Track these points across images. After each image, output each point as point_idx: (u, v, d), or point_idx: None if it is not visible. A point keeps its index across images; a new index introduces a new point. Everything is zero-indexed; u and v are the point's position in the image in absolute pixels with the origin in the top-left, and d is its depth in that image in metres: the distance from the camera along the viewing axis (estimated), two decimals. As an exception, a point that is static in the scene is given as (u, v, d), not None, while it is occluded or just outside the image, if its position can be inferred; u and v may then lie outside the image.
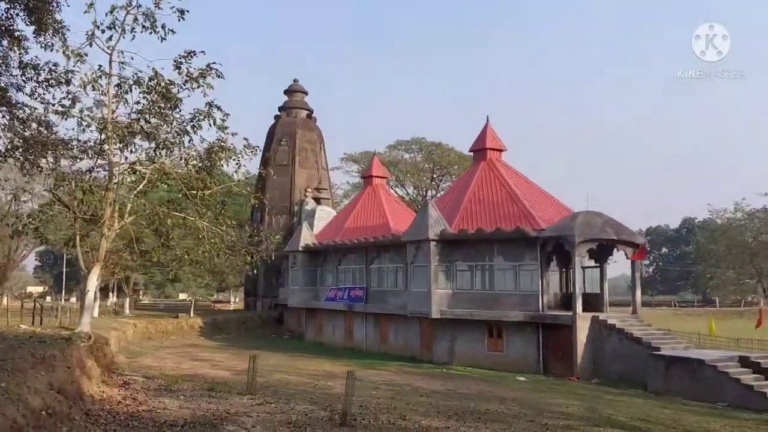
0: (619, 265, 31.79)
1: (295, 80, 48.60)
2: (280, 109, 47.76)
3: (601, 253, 25.47)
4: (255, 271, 44.65)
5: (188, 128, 14.66)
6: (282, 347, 31.59)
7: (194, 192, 15.99)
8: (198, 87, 15.30)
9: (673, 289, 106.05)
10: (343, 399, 12.14)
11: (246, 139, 16.85)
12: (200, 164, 15.68)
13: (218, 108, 15.24)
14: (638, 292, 24.46)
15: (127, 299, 41.62)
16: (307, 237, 35.75)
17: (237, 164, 16.86)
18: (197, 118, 14.77)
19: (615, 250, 25.12)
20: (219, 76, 15.30)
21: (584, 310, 24.83)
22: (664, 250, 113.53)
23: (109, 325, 29.19)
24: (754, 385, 17.07)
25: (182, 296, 68.92)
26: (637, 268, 24.77)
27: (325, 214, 39.92)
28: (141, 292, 70.28)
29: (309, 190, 43.69)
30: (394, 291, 28.83)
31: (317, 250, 35.12)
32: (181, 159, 15.56)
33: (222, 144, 15.21)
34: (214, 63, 15.09)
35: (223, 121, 15.50)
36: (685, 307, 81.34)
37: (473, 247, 25.35)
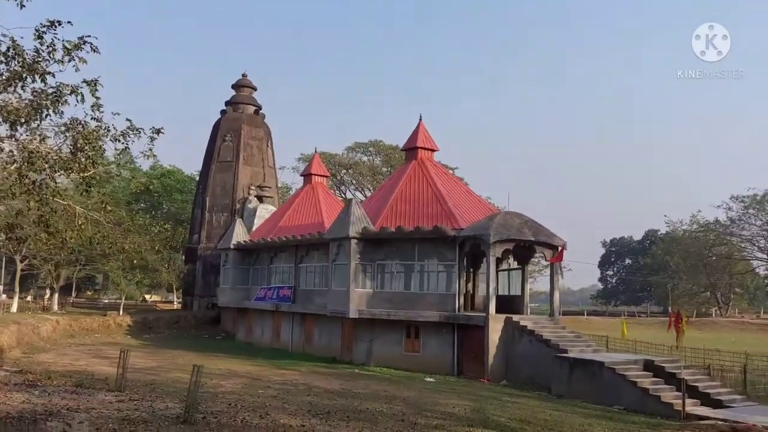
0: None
1: (243, 75, 47.72)
2: (227, 103, 46.85)
3: (523, 254, 25.18)
4: (186, 270, 43.76)
5: (47, 103, 13.76)
6: (208, 347, 30.70)
7: (68, 174, 15.05)
8: (70, 61, 14.41)
9: (635, 299, 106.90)
10: (187, 396, 11.50)
11: (129, 120, 15.99)
12: (74, 144, 14.76)
13: (92, 83, 14.36)
14: (557, 295, 24.22)
15: (56, 296, 40.18)
16: (239, 234, 34.89)
17: (124, 146, 16.00)
18: (60, 93, 13.88)
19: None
20: (94, 50, 14.47)
21: (506, 312, 24.55)
22: (628, 261, 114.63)
23: (17, 320, 28.06)
24: (650, 389, 16.81)
25: (149, 297, 67.19)
26: (556, 271, 24.50)
27: (266, 213, 39.10)
28: (98, 291, 68.19)
29: (253, 187, 42.83)
30: (319, 291, 28.19)
31: (250, 248, 34.30)
32: (39, 136, 14.63)
33: (80, 122, 14.28)
34: (89, 36, 14.26)
35: (98, 98, 14.63)
36: (643, 316, 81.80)
37: (395, 246, 24.86)
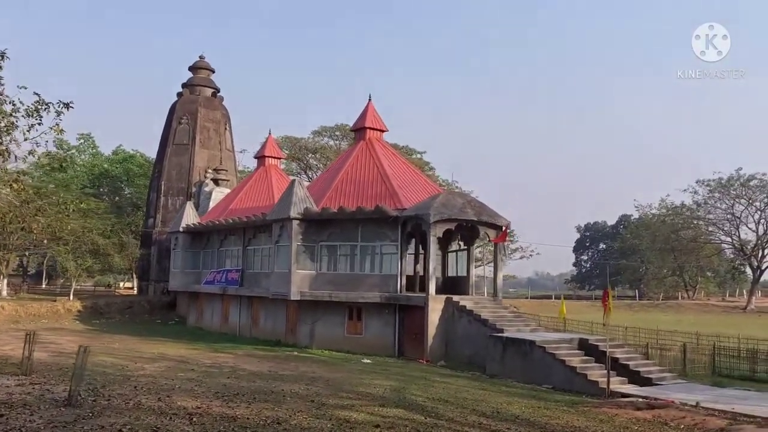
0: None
1: (201, 57, 46.61)
2: (183, 86, 45.77)
3: (469, 235, 24.91)
4: (140, 255, 42.93)
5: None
6: (155, 332, 30.09)
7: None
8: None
9: (608, 283, 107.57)
10: (71, 379, 11.01)
11: (37, 94, 15.24)
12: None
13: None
14: (500, 275, 24.05)
15: (4, 282, 39.15)
16: (190, 217, 34.18)
17: (30, 125, 15.27)
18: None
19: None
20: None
21: (453, 293, 24.35)
22: (602, 245, 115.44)
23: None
24: (578, 367, 16.67)
25: (123, 284, 65.76)
26: (500, 251, 24.26)
27: (221, 196, 38.36)
28: (69, 279, 66.38)
29: (209, 171, 42.02)
30: (266, 273, 27.66)
31: (200, 231, 33.62)
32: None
33: None
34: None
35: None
36: (614, 299, 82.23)
37: (338, 227, 24.41)
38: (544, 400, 14.74)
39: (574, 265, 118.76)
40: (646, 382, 16.84)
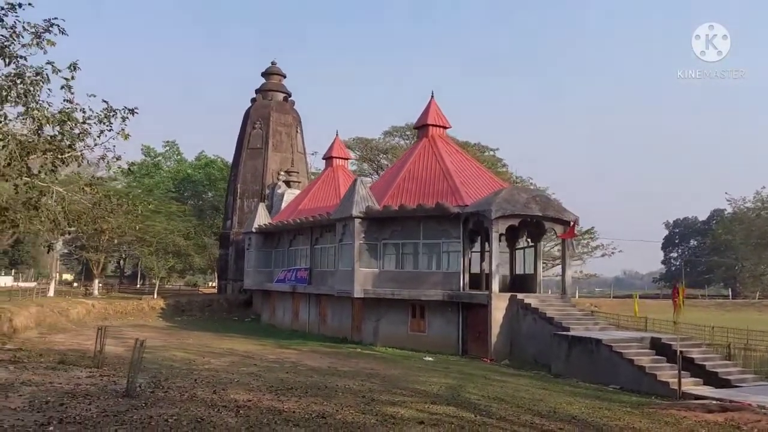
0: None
1: (273, 62, 47.96)
2: (257, 91, 47.25)
3: (535, 232, 24.21)
4: (219, 255, 44.61)
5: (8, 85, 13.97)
6: (230, 329, 31.19)
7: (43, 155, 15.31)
8: (37, 44, 14.59)
9: (700, 282, 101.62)
10: (129, 371, 11.54)
11: (106, 101, 16.10)
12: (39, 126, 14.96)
13: (72, 66, 14.52)
14: (569, 272, 23.16)
15: (96, 281, 41.82)
16: (262, 218, 35.20)
17: (101, 131, 16.17)
18: (24, 74, 14.06)
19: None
20: (62, 33, 14.63)
21: (521, 291, 23.80)
22: (693, 242, 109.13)
23: (45, 303, 29.38)
24: (647, 367, 15.79)
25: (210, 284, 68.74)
26: (568, 247, 23.41)
27: (293, 197, 39.30)
28: (160, 280, 69.96)
29: (282, 173, 43.14)
30: (331, 272, 28.04)
31: (271, 231, 34.55)
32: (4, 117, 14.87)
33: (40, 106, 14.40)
34: (56, 18, 14.44)
35: (68, 80, 14.77)
36: (702, 298, 77.63)
37: (400, 225, 24.37)
38: (608, 400, 14.08)
39: (663, 263, 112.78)
40: (724, 383, 15.72)
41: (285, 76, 48.48)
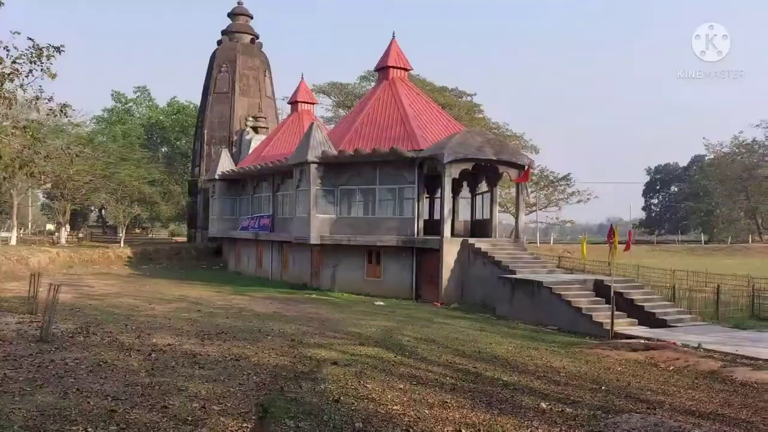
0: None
1: (239, 2, 46.31)
2: (223, 33, 45.81)
3: (492, 176, 24.05)
4: (187, 203, 44.22)
5: None
6: (194, 276, 31.12)
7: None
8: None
9: (680, 228, 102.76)
10: (43, 315, 11.44)
11: (31, 39, 15.35)
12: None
13: None
14: (522, 216, 23.17)
15: (62, 230, 41.43)
16: (225, 164, 34.73)
17: (30, 70, 15.51)
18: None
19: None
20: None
21: (478, 236, 23.86)
22: (674, 188, 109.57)
23: (5, 251, 29.09)
24: (583, 308, 15.96)
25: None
26: (521, 191, 23.34)
27: (259, 144, 38.69)
28: (145, 230, 69.56)
29: (249, 118, 42.33)
30: (292, 218, 27.88)
31: (234, 178, 34.16)
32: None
33: None
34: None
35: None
36: (677, 243, 78.74)
37: (356, 170, 24.09)
38: (540, 341, 14.24)
39: (643, 209, 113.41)
40: (661, 324, 15.95)
41: (252, 17, 46.96)
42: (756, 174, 68.77)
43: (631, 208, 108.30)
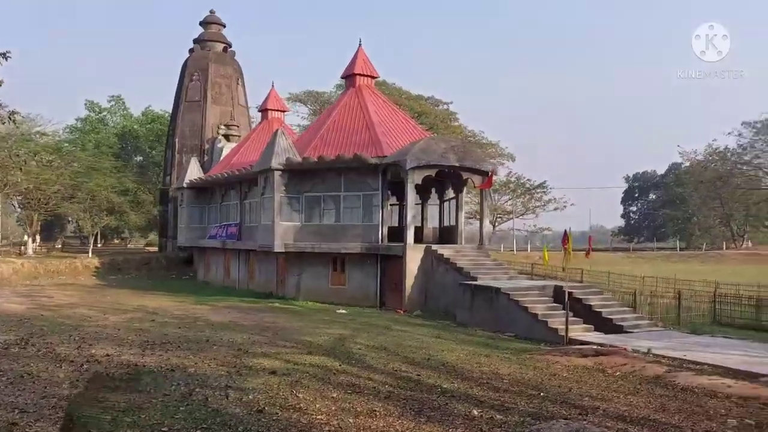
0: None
1: (211, 11, 46.07)
2: (195, 41, 45.49)
3: (458, 183, 24.01)
4: (158, 212, 43.71)
5: None
6: (160, 287, 30.56)
7: None
8: None
9: (658, 235, 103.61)
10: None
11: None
12: None
13: None
14: (486, 223, 23.18)
15: (30, 240, 40.67)
16: (193, 172, 34.36)
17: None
18: None
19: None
20: None
21: (445, 242, 23.80)
22: (652, 196, 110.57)
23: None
24: (540, 314, 15.89)
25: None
26: (485, 198, 23.31)
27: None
28: (124, 240, 68.29)
29: (221, 127, 41.99)
30: (257, 226, 27.58)
31: (202, 186, 33.79)
32: None
33: None
34: None
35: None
36: (653, 251, 79.39)
37: (321, 177, 23.89)
38: (495, 347, 14.13)
39: (622, 216, 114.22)
40: (617, 329, 15.95)
41: (224, 26, 46.70)
42: (730, 182, 69.62)
43: (612, 217, 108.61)
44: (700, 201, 77.42)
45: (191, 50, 45.29)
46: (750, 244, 77.78)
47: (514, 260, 45.80)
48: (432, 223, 27.66)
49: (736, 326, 19.73)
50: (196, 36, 45.57)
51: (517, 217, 71.25)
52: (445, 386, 9.58)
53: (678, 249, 72.81)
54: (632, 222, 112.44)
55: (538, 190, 70.48)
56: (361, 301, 22.25)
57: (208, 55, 44.24)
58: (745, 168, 67.57)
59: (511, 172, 69.43)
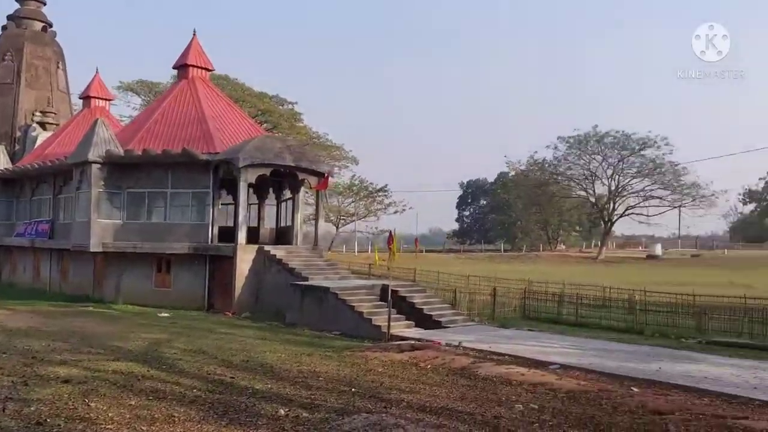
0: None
1: (28, -15, 41.41)
2: (9, 18, 40.57)
3: (294, 183, 23.87)
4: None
5: None
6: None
7: None
8: None
9: (488, 238, 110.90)
10: None
11: None
12: None
13: None
14: (321, 223, 23.45)
15: None
16: (0, 163, 30.63)
17: None
18: None
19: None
20: None
21: (281, 243, 23.46)
22: (483, 201, 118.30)
23: None
24: (365, 312, 16.31)
25: None
26: (321, 199, 23.48)
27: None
28: None
29: (36, 113, 37.84)
30: (72, 224, 25.22)
31: (11, 178, 30.25)
32: None
33: None
34: None
35: None
36: (480, 252, 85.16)
37: (146, 172, 22.45)
38: (319, 346, 14.20)
39: (457, 220, 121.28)
40: (436, 325, 16.81)
41: (45, 3, 42.20)
42: (547, 190, 77.03)
43: (450, 220, 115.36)
44: (522, 207, 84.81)
45: (4, 27, 40.29)
46: (563, 246, 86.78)
47: (355, 261, 46.85)
48: (269, 223, 27.20)
49: (541, 320, 21.65)
50: (11, 12, 40.72)
51: (360, 219, 72.96)
52: (257, 387, 9.41)
53: (503, 250, 79.09)
54: (465, 225, 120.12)
55: (380, 194, 72.70)
56: (187, 303, 21.21)
57: (24, 34, 39.67)
58: (559, 178, 75.17)
59: (355, 175, 70.89)
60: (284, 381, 10.02)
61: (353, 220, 73.51)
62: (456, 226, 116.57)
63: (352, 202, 72.94)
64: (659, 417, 8.45)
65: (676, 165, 65.09)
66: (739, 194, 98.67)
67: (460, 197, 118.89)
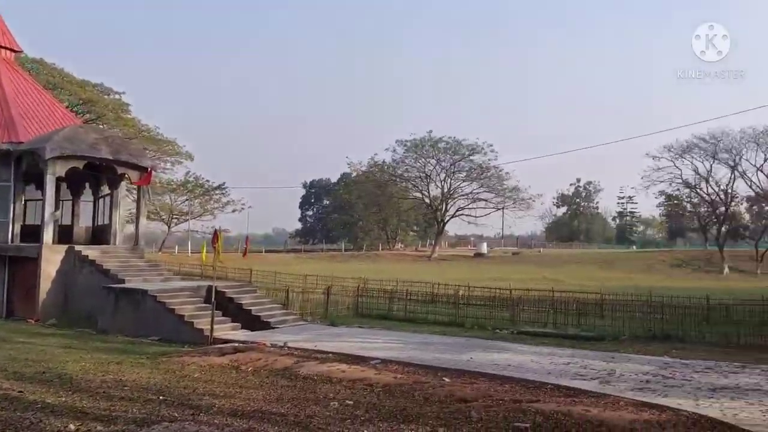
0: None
1: None
2: None
3: (113, 178, 22.04)
4: None
5: None
6: None
7: None
8: None
9: (330, 238, 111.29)
10: None
11: None
12: None
13: None
14: (143, 222, 21.88)
15: None
16: None
17: None
18: None
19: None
20: None
21: (98, 243, 21.46)
22: (326, 201, 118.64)
23: None
24: (186, 316, 15.49)
25: None
26: (143, 195, 21.98)
27: None
28: None
29: None
30: None
31: None
32: None
33: None
34: None
35: None
36: (322, 252, 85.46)
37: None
38: (131, 353, 13.21)
39: (300, 220, 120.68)
40: (265, 326, 16.45)
41: None
42: (386, 191, 79.56)
43: (294, 220, 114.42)
44: (363, 207, 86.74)
45: None
46: (401, 245, 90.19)
47: (187, 262, 44.69)
48: (85, 221, 24.87)
49: (373, 317, 22.21)
50: None
51: (194, 218, 69.70)
52: (48, 401, 8.45)
53: (344, 250, 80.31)
54: (308, 225, 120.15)
55: (217, 192, 70.13)
56: (-19, 311, 18.71)
57: None
58: (398, 180, 78.07)
59: (190, 171, 67.62)
60: (82, 392, 9.13)
61: (187, 219, 70.08)
62: (299, 225, 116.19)
63: (187, 200, 69.55)
64: (465, 405, 8.94)
65: (501, 170, 70.64)
66: (553, 198, 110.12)
67: (303, 197, 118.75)
